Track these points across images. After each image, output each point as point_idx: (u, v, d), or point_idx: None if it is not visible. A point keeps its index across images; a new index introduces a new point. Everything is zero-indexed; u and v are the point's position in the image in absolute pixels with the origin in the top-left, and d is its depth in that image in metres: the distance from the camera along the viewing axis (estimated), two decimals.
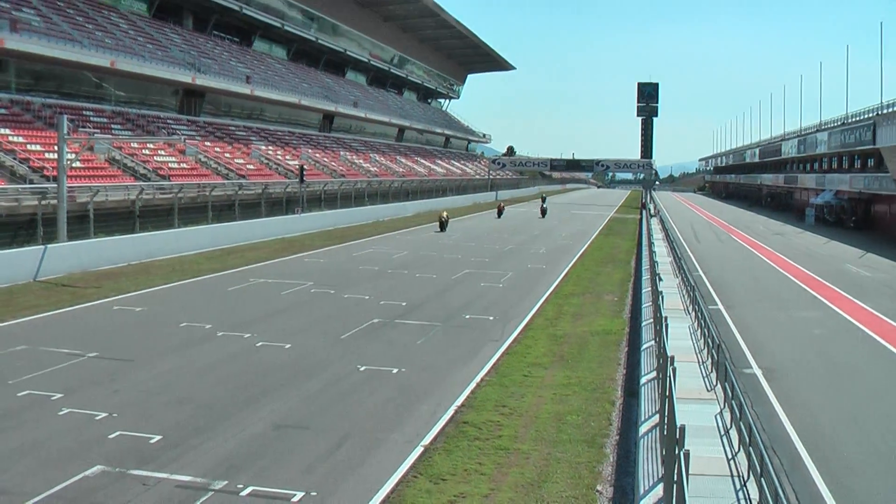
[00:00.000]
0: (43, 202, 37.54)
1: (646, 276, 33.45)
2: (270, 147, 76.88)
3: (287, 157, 75.39)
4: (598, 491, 13.30)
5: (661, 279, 26.84)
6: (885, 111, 64.06)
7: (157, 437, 14.68)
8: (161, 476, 13.03)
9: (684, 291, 28.65)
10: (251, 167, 65.49)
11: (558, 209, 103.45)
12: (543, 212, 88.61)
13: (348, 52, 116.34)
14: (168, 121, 66.20)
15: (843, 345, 24.94)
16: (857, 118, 77.63)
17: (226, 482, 12.88)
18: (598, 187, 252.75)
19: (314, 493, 12.67)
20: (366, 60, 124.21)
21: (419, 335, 24.32)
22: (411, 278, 36.60)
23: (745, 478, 11.85)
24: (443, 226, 65.13)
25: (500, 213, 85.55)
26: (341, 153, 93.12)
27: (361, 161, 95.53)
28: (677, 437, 10.37)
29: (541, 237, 60.76)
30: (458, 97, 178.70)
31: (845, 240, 62.70)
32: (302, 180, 60.29)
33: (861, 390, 19.61)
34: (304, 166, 65.40)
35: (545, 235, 62.48)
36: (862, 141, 70.55)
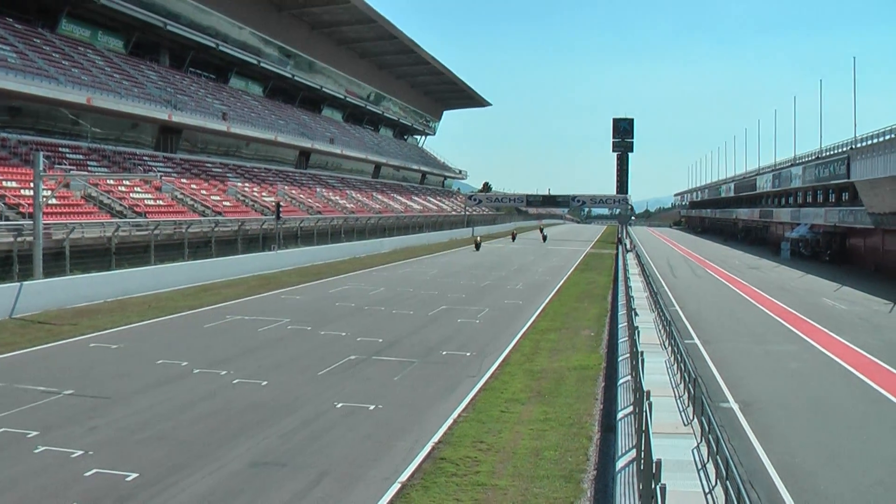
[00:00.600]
0: (19, 239, 37.42)
1: (622, 311, 33.50)
2: (247, 184, 76.92)
3: (263, 194, 75.36)
4: None
5: (637, 314, 26.92)
6: (859, 145, 64.55)
7: (134, 475, 14.62)
8: None
9: (660, 326, 28.73)
10: (227, 204, 65.42)
11: (534, 245, 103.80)
12: (544, 237, 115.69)
13: (325, 89, 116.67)
14: (144, 158, 66.17)
15: (820, 378, 25.03)
16: (832, 152, 78.27)
17: None
18: (578, 223, 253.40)
19: None
20: (342, 97, 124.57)
21: (396, 372, 24.29)
22: (388, 315, 36.58)
23: None
24: (477, 246, 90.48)
25: (513, 238, 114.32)
26: (317, 190, 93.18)
27: (338, 198, 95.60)
28: (654, 471, 10.42)
29: (518, 273, 60.82)
30: (435, 133, 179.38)
31: (821, 273, 63.03)
32: (278, 217, 60.24)
33: (838, 424, 19.67)
34: (281, 203, 65.37)
35: (522, 271, 62.55)
36: (836, 175, 71.09)
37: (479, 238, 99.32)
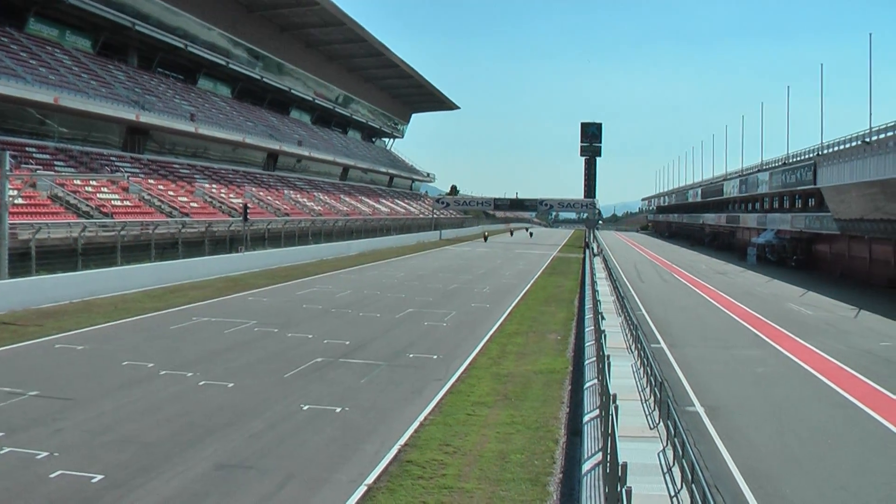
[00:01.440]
0: None
1: (589, 315, 33.60)
2: (214, 185, 76.62)
3: (231, 196, 75.10)
4: None
5: (604, 318, 27.01)
6: (825, 151, 65.01)
7: (99, 477, 14.55)
8: None
9: (627, 330, 28.87)
10: (195, 205, 65.15)
11: (502, 248, 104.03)
12: (531, 234, 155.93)
13: (293, 91, 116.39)
14: (112, 158, 65.80)
15: (786, 383, 25.17)
16: (798, 158, 78.73)
17: None
18: (546, 227, 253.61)
19: None
20: (310, 99, 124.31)
21: (363, 374, 24.26)
22: (355, 317, 36.54)
23: None
24: (486, 238, 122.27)
25: (511, 234, 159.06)
26: (285, 192, 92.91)
27: (305, 200, 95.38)
28: (620, 474, 10.46)
29: (485, 276, 60.90)
30: (403, 136, 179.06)
31: (787, 279, 63.49)
32: (246, 219, 60.04)
33: (804, 428, 19.79)
34: (248, 205, 65.25)
35: (490, 275, 62.62)
36: (803, 181, 71.62)
37: (486, 232, 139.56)
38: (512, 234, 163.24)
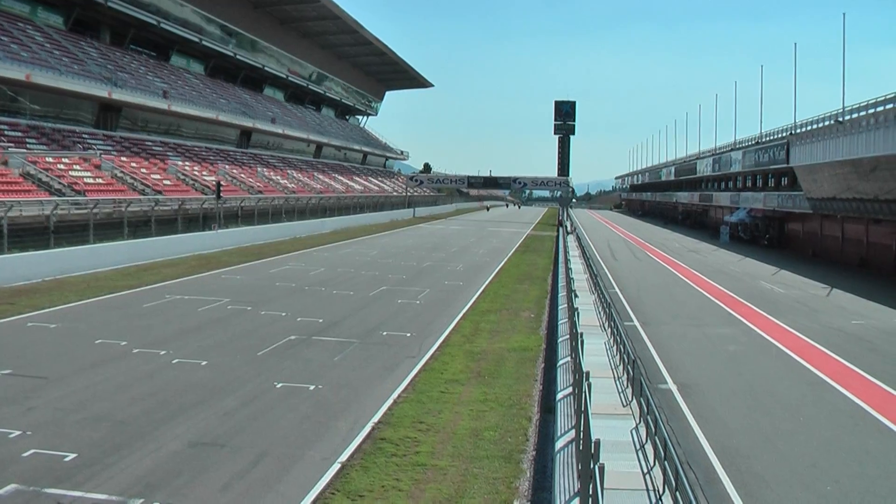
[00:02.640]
0: None
1: (562, 293, 33.67)
2: (187, 163, 76.22)
3: (204, 173, 74.71)
4: None
5: (577, 296, 27.06)
6: (798, 131, 65.21)
7: (73, 456, 14.50)
8: (76, 494, 12.88)
9: (600, 308, 28.91)
10: (168, 183, 64.84)
11: (475, 226, 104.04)
12: (519, 206, 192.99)
13: (266, 68, 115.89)
14: (84, 135, 65.41)
15: (758, 361, 25.28)
16: (771, 137, 79.00)
17: (142, 500, 12.78)
18: (519, 206, 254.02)
19: None
20: (284, 77, 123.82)
21: (336, 352, 24.25)
22: (329, 295, 36.50)
23: (661, 492, 12.01)
24: (487, 209, 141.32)
25: (507, 206, 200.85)
26: (259, 169, 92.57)
27: (279, 177, 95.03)
28: (593, 451, 10.49)
29: (459, 254, 60.91)
30: (376, 114, 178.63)
31: (759, 257, 63.73)
32: (219, 196, 59.78)
33: (775, 406, 19.88)
34: (221, 182, 64.89)
35: (463, 252, 62.64)
36: (776, 160, 71.88)
37: (488, 206, 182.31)
38: (507, 207, 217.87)
